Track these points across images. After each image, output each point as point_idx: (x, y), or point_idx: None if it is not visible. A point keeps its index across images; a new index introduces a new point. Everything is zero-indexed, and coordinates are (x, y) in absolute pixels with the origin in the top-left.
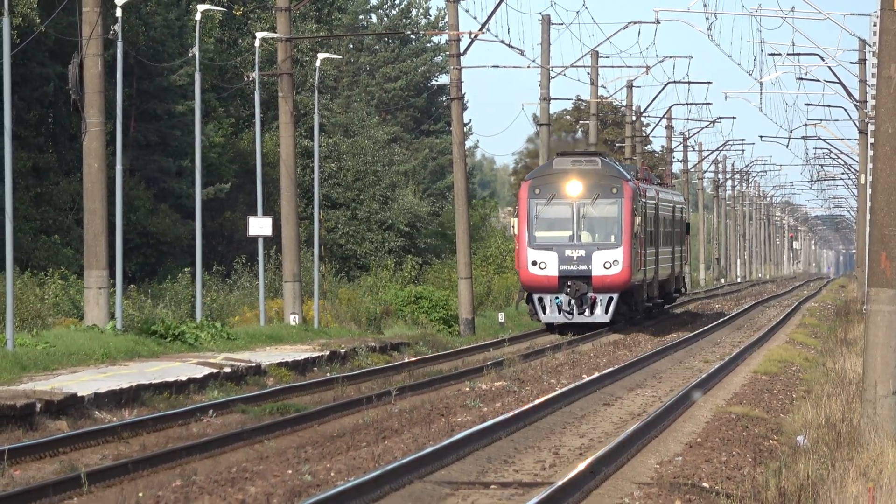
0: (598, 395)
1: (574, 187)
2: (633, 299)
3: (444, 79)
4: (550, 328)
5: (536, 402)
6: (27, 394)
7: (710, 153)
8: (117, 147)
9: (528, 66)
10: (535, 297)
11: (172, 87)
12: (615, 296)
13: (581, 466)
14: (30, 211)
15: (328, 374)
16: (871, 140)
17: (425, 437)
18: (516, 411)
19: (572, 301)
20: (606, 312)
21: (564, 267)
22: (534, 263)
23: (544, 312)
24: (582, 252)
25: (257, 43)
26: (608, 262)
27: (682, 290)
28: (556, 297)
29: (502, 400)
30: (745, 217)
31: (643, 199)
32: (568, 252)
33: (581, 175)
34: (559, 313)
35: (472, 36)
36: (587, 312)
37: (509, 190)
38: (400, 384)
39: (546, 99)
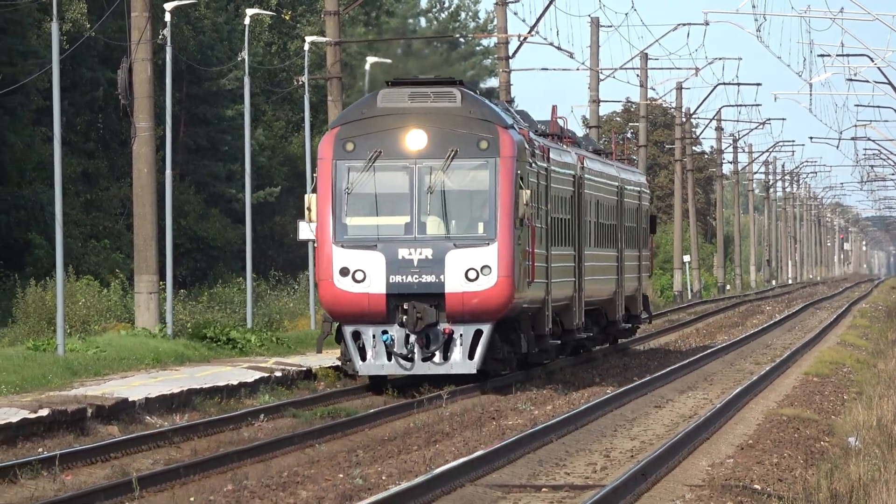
0: (649, 398)
1: (414, 139)
2: (522, 334)
3: (493, 82)
4: (376, 384)
5: (587, 404)
6: (78, 399)
7: (760, 155)
8: (167, 152)
9: (578, 69)
10: (349, 330)
11: (222, 91)
12: (487, 327)
13: (632, 469)
14: (80, 217)
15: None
16: None
17: (476, 440)
18: (567, 414)
19: (411, 338)
20: (471, 357)
21: (398, 278)
22: (344, 273)
23: (363, 358)
24: (428, 252)
25: (306, 47)
26: (473, 270)
27: (645, 316)
28: (384, 333)
29: (553, 402)
30: (796, 219)
31: (543, 164)
32: (403, 252)
33: (426, 118)
34: (389, 359)
35: (522, 39)
36: (438, 357)
37: None
38: (451, 388)
39: (595, 101)
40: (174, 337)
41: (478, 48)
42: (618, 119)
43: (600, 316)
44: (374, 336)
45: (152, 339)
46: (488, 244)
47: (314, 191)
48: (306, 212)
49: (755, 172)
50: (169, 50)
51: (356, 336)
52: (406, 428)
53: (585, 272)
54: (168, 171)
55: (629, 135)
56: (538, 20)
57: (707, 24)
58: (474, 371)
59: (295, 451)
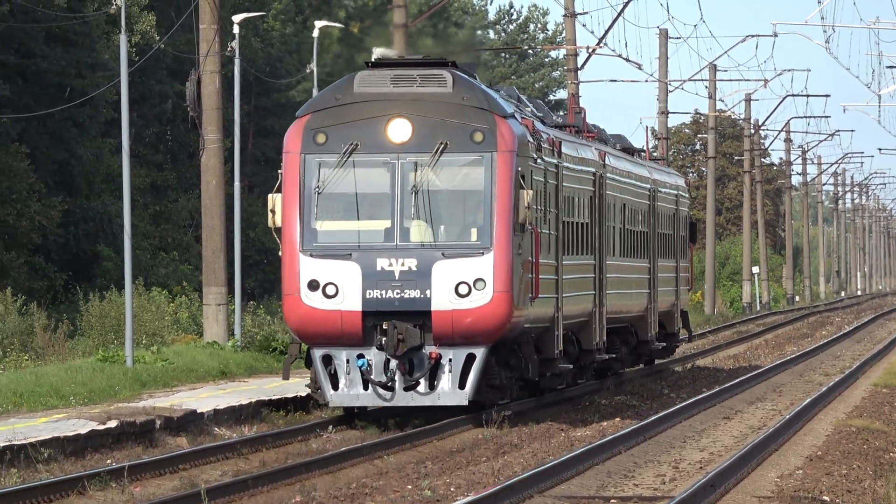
0: (717, 409)
1: (397, 129)
2: (525, 358)
3: (562, 93)
4: (350, 416)
5: (656, 416)
6: (147, 410)
7: (829, 166)
8: (235, 163)
9: (646, 80)
10: (318, 354)
11: (291, 102)
12: (481, 351)
13: (701, 480)
14: (149, 228)
15: None
16: None
17: (545, 451)
18: (636, 425)
19: (392, 363)
20: (462, 385)
21: (376, 293)
22: (313, 286)
23: (335, 386)
24: (411, 262)
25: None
26: (464, 284)
27: (684, 335)
28: (360, 357)
29: (622, 414)
30: (865, 230)
31: (552, 160)
32: (383, 263)
33: (411, 105)
34: (365, 388)
35: (590, 50)
36: (422, 385)
37: None
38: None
39: (664, 113)
40: (243, 349)
41: (546, 60)
42: (686, 131)
43: (629, 334)
44: (347, 361)
45: (221, 350)
46: (482, 254)
47: (278, 190)
48: (269, 214)
49: (824, 184)
50: (237, 62)
51: (327, 360)
52: (474, 439)
53: (608, 285)
54: (236, 183)
55: (698, 146)
56: (606, 32)
57: (776, 35)
58: (466, 402)
59: (363, 462)
